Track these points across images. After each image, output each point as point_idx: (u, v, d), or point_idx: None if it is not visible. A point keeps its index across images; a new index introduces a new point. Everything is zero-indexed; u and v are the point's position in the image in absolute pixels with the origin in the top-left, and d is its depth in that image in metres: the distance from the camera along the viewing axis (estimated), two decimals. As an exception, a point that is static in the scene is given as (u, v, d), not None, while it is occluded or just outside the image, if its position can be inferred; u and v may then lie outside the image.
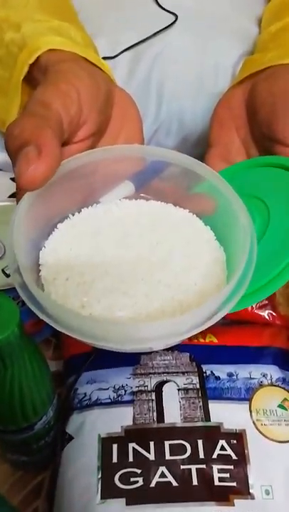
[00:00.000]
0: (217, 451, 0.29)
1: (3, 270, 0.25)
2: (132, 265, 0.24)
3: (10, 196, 0.40)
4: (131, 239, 0.26)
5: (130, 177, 0.28)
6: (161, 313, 0.23)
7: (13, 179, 0.42)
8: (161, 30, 0.45)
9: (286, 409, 0.31)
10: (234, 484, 0.28)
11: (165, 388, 0.32)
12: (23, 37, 0.31)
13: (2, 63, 0.33)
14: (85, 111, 0.26)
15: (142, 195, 0.28)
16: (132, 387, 0.32)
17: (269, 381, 0.32)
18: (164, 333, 0.21)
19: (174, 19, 0.45)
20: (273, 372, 0.33)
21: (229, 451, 0.29)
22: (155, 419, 0.30)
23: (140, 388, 0.32)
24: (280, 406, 0.31)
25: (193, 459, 0.29)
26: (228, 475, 0.28)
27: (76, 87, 0.25)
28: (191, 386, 0.32)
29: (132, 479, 0.28)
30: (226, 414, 0.30)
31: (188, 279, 0.24)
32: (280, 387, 0.32)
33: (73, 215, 0.27)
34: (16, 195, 0.24)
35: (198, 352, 0.33)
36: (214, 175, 0.26)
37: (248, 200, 0.26)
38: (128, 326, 0.22)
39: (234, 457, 0.29)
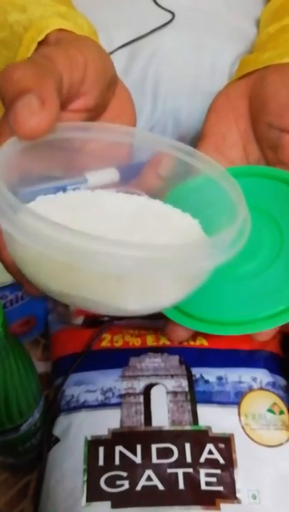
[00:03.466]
0: (204, 455, 0.29)
1: None
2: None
3: None
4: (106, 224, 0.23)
5: (118, 166, 0.26)
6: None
7: None
8: (157, 28, 0.45)
9: (275, 414, 0.31)
10: (221, 488, 0.28)
11: (153, 391, 0.31)
12: (29, 18, 0.31)
13: (6, 44, 0.33)
14: (87, 82, 0.25)
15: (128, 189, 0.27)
16: (120, 390, 0.31)
17: (259, 385, 0.32)
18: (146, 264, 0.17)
19: (170, 17, 0.45)
20: (263, 376, 0.32)
21: (217, 456, 0.29)
22: (143, 422, 0.30)
23: (128, 391, 0.31)
24: (269, 410, 0.31)
25: (180, 462, 0.29)
26: (215, 479, 0.28)
27: (85, 56, 0.25)
28: (179, 389, 0.31)
29: (117, 482, 0.28)
30: (214, 418, 0.30)
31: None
32: (270, 391, 0.32)
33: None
34: None
35: (188, 355, 0.33)
36: (211, 166, 0.24)
37: (257, 215, 0.23)
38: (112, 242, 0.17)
39: (222, 461, 0.29)
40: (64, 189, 0.23)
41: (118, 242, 0.17)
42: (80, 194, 0.24)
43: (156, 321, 0.35)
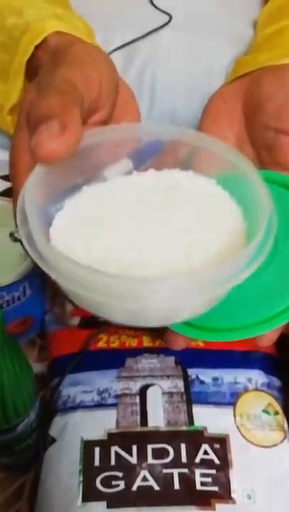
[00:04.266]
0: (200, 456, 0.29)
1: (11, 234, 0.23)
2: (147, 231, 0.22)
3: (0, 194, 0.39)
4: (141, 208, 0.24)
5: (128, 155, 0.27)
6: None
7: (3, 177, 0.42)
8: (155, 30, 0.45)
9: (270, 414, 0.31)
10: (216, 489, 0.28)
11: (149, 392, 0.31)
12: (26, 22, 0.31)
13: (5, 47, 0.33)
14: (103, 96, 0.26)
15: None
16: (116, 391, 0.32)
17: (254, 386, 0.32)
18: (173, 292, 0.19)
19: (168, 19, 0.45)
20: (258, 377, 0.33)
21: (212, 456, 0.29)
22: (138, 422, 0.30)
23: (124, 391, 0.32)
24: (265, 411, 0.31)
25: (176, 463, 0.29)
26: (210, 479, 0.28)
27: (99, 74, 0.25)
28: (175, 390, 0.32)
29: (113, 483, 0.28)
30: (209, 418, 0.30)
31: (205, 247, 0.22)
32: (265, 391, 0.32)
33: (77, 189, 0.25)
34: (10, 191, 0.23)
35: (183, 356, 0.33)
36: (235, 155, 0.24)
37: None
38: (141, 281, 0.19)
39: (217, 462, 0.29)
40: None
41: (146, 281, 0.19)
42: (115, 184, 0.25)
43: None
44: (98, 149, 0.26)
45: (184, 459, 0.29)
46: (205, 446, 0.29)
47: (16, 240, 0.21)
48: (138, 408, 0.31)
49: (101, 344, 0.35)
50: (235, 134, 0.32)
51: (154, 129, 0.27)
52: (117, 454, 0.29)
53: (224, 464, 0.29)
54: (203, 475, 0.28)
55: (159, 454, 0.29)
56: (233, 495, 0.28)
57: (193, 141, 0.25)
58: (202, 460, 0.29)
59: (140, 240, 0.21)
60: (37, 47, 0.30)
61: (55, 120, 0.21)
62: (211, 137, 0.25)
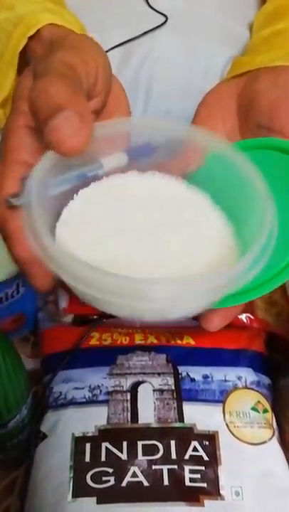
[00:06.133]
0: (189, 452, 0.29)
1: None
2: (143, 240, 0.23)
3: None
4: (138, 212, 0.24)
5: (124, 150, 0.27)
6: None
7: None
8: (150, 30, 0.45)
9: (259, 412, 0.32)
10: (204, 485, 0.28)
11: (140, 389, 0.32)
12: (18, 15, 0.31)
13: None
14: (99, 85, 0.26)
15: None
16: (107, 387, 0.32)
17: (243, 384, 0.33)
18: (173, 293, 0.19)
19: (163, 20, 0.45)
20: (248, 375, 0.33)
21: (201, 453, 0.30)
22: (129, 419, 0.30)
23: (116, 388, 0.32)
24: (253, 408, 0.32)
25: (165, 459, 0.29)
26: (199, 476, 0.29)
27: (96, 62, 0.25)
28: (166, 387, 0.32)
29: (103, 478, 0.29)
30: (199, 415, 0.31)
31: (200, 256, 0.23)
32: (254, 389, 0.33)
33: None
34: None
35: (174, 353, 0.34)
36: (221, 144, 0.25)
37: None
38: (149, 282, 0.19)
39: (206, 458, 0.29)
40: (85, 176, 0.24)
41: (148, 282, 0.19)
42: (100, 185, 0.25)
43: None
44: (97, 140, 0.26)
45: (173, 456, 0.29)
46: (194, 443, 0.30)
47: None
48: (129, 405, 0.31)
49: (93, 342, 0.35)
50: (227, 130, 0.32)
51: (152, 125, 0.27)
52: (107, 450, 0.29)
53: (213, 461, 0.29)
54: (192, 471, 0.29)
55: (149, 450, 0.29)
56: (221, 491, 0.28)
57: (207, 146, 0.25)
58: (191, 457, 0.29)
59: (141, 243, 0.22)
60: (30, 38, 0.30)
61: (71, 111, 0.21)
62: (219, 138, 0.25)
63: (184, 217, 0.24)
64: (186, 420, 0.31)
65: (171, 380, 0.32)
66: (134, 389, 0.32)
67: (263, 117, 0.29)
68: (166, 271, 0.21)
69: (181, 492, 0.28)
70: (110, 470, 0.29)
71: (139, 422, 0.30)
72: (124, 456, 0.29)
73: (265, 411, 0.32)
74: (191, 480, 0.29)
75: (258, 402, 0.32)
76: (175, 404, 0.31)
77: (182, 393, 0.32)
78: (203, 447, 0.30)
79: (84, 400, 0.31)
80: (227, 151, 0.25)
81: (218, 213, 0.25)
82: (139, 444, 0.30)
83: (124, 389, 0.32)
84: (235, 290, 0.21)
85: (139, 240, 0.22)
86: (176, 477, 0.29)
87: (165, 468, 0.29)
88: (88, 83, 0.24)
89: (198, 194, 0.25)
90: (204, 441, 0.30)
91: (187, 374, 0.32)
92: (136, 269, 0.21)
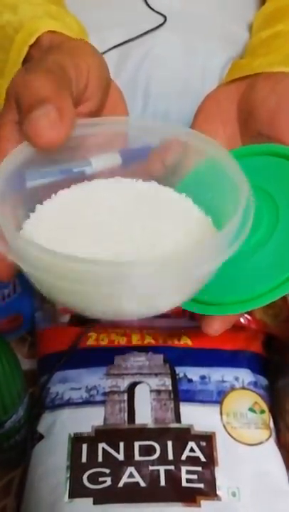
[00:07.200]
0: (186, 453, 0.29)
1: None
2: (118, 238, 0.22)
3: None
4: (114, 216, 0.23)
5: (119, 151, 0.27)
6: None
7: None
8: (149, 31, 0.45)
9: (256, 413, 0.32)
10: (201, 486, 0.28)
11: (137, 389, 0.32)
12: (20, 20, 0.31)
13: None
14: (90, 88, 0.26)
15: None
16: (104, 388, 0.32)
17: (241, 384, 0.33)
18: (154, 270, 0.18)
19: (162, 20, 0.45)
20: (245, 375, 0.33)
21: (198, 453, 0.29)
22: (126, 419, 0.30)
23: (113, 389, 0.32)
24: (251, 409, 0.32)
25: (162, 460, 0.29)
26: (195, 476, 0.29)
27: (88, 64, 0.25)
28: (163, 388, 0.32)
29: (100, 479, 0.28)
30: (196, 416, 0.31)
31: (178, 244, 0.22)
32: (252, 390, 0.33)
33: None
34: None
35: (172, 354, 0.34)
36: (213, 146, 0.24)
37: (255, 193, 0.23)
38: (123, 264, 0.18)
39: (203, 459, 0.29)
40: (69, 171, 0.24)
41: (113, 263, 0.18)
42: (80, 188, 0.25)
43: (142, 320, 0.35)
44: (89, 137, 0.25)
45: (170, 456, 0.29)
46: (191, 444, 0.30)
47: None
48: (126, 405, 0.31)
49: (90, 342, 0.35)
50: (227, 135, 0.32)
51: (146, 126, 0.27)
52: (104, 450, 0.29)
53: (210, 462, 0.29)
54: (189, 472, 0.29)
55: (145, 451, 0.29)
56: (218, 492, 0.28)
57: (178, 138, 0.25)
58: (188, 457, 0.29)
59: (111, 237, 0.21)
60: (30, 46, 0.30)
61: (51, 105, 0.21)
62: (191, 130, 0.25)
63: (161, 213, 0.23)
64: (183, 421, 0.30)
65: (168, 381, 0.32)
66: (131, 389, 0.32)
67: (263, 126, 0.29)
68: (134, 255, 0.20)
69: (177, 493, 0.28)
70: (107, 470, 0.29)
71: (136, 422, 0.30)
72: (120, 457, 0.29)
73: (263, 412, 0.32)
74: (188, 481, 0.28)
75: (255, 402, 0.32)
76: (172, 405, 0.31)
77: (179, 394, 0.32)
78: (200, 448, 0.30)
79: (81, 401, 0.31)
80: (214, 155, 0.24)
81: (200, 211, 0.24)
82: (136, 444, 0.30)
83: (121, 389, 0.32)
84: (215, 268, 0.20)
85: (106, 240, 0.21)
86: (173, 478, 0.29)
87: (162, 468, 0.29)
88: (78, 87, 0.24)
89: (182, 196, 0.25)
90: (201, 442, 0.30)
91: (184, 374, 0.32)
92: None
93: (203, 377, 0.32)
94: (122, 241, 0.21)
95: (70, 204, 0.24)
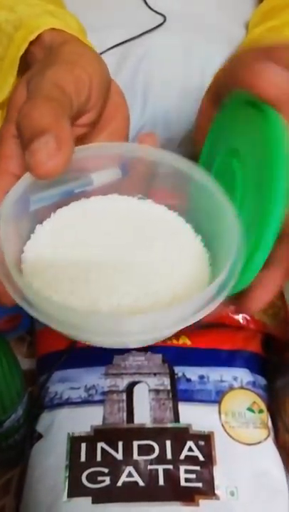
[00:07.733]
0: (185, 452, 0.29)
1: None
2: (113, 267, 0.24)
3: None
4: (111, 238, 0.25)
5: (120, 165, 0.27)
6: (142, 310, 0.22)
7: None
8: (149, 31, 0.45)
9: (254, 412, 0.32)
10: (200, 485, 0.28)
11: (136, 389, 0.32)
12: (19, 18, 0.31)
13: None
14: (93, 98, 0.26)
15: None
16: (103, 387, 0.32)
17: (239, 384, 0.33)
18: (144, 327, 0.20)
19: (162, 20, 0.45)
20: (244, 375, 0.33)
21: (197, 453, 0.30)
22: (125, 419, 0.31)
23: (111, 388, 0.32)
24: (249, 409, 0.32)
25: (161, 459, 0.29)
26: (194, 476, 0.29)
27: (88, 73, 0.25)
28: (162, 387, 0.32)
29: (99, 478, 0.29)
30: (195, 416, 0.31)
31: (171, 280, 0.23)
32: (250, 390, 0.33)
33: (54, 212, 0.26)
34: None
35: (170, 353, 0.34)
36: (202, 175, 0.25)
37: (228, 159, 0.23)
38: (110, 318, 0.21)
39: (201, 458, 0.29)
40: (71, 193, 0.25)
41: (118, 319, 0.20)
42: (78, 207, 0.26)
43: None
44: (87, 157, 0.26)
45: (168, 456, 0.29)
46: (190, 443, 0.30)
47: None
48: (125, 405, 0.31)
49: (89, 341, 0.35)
50: None
51: (138, 150, 0.27)
52: (103, 450, 0.29)
53: (208, 461, 0.29)
54: (187, 471, 0.29)
55: (144, 450, 0.29)
56: (216, 491, 0.28)
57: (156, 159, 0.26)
58: (187, 457, 0.29)
59: (110, 273, 0.23)
60: (31, 42, 0.30)
61: (51, 136, 0.22)
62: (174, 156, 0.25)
63: (157, 238, 0.25)
64: (181, 420, 0.31)
65: (167, 380, 0.32)
66: (129, 389, 0.32)
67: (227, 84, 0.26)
68: (132, 299, 0.22)
69: (176, 492, 0.28)
70: (106, 470, 0.29)
71: (135, 422, 0.30)
72: (119, 456, 0.29)
73: (261, 411, 0.32)
74: (187, 480, 0.29)
75: (254, 402, 0.32)
76: (171, 405, 0.31)
77: (178, 393, 0.32)
78: (199, 447, 0.30)
79: (80, 400, 0.31)
80: (201, 179, 0.25)
81: (191, 233, 0.25)
82: (135, 444, 0.30)
83: (120, 389, 0.32)
84: (208, 313, 0.21)
85: (107, 267, 0.23)
86: (172, 477, 0.29)
87: (160, 468, 0.29)
88: (79, 101, 0.25)
89: (175, 217, 0.26)
90: (200, 442, 0.30)
91: (183, 374, 0.33)
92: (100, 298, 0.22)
93: (201, 377, 0.32)
94: (118, 284, 0.22)
95: (66, 227, 0.25)
